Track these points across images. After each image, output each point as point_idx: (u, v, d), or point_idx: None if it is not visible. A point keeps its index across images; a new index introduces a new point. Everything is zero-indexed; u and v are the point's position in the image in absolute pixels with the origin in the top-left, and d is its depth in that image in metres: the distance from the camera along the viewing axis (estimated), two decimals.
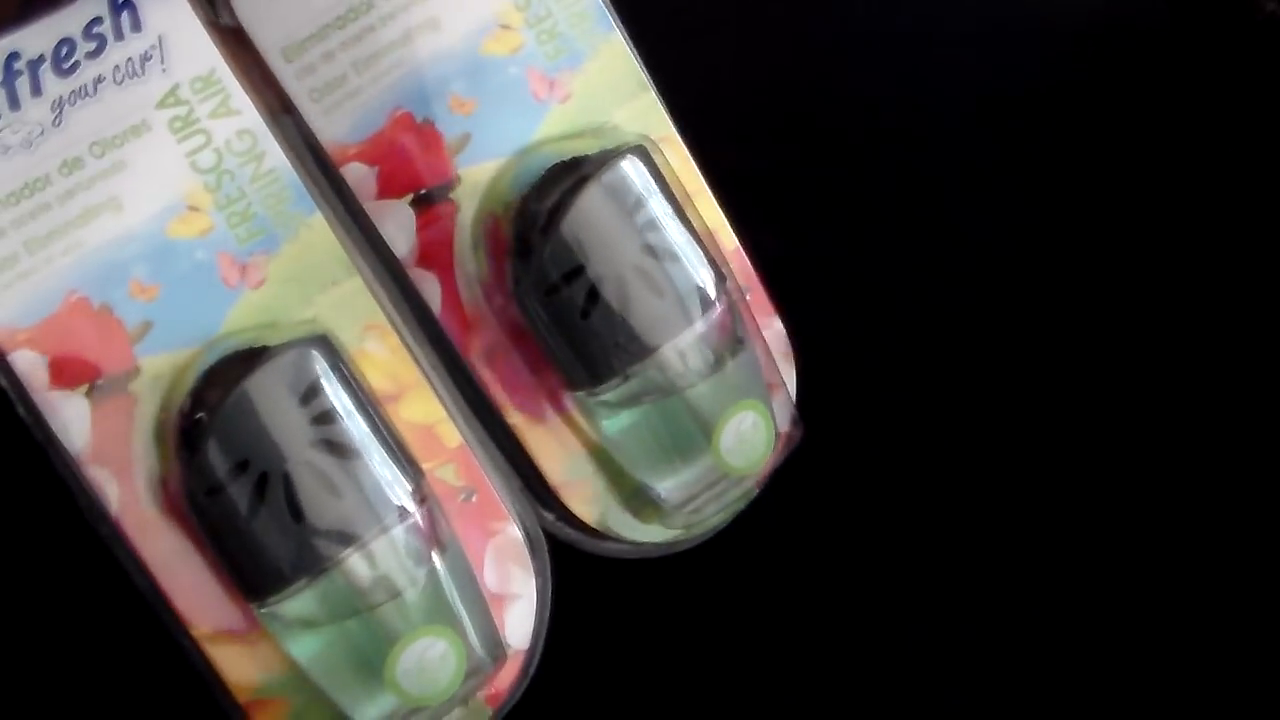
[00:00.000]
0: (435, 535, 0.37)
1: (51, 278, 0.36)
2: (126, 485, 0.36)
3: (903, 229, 0.40)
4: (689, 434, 0.39)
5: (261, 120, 0.38)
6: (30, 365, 0.35)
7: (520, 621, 0.39)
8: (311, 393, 0.36)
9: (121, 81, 0.36)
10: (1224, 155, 0.41)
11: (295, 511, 0.35)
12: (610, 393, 0.39)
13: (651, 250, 0.38)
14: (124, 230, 0.36)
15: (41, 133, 0.36)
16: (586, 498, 0.40)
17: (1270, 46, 0.37)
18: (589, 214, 0.38)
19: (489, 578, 0.39)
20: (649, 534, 0.41)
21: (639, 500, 0.41)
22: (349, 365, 0.37)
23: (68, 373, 0.35)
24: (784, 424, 0.41)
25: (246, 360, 0.36)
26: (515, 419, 0.40)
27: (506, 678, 0.39)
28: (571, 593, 0.41)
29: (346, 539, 0.36)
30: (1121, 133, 0.42)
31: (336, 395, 0.36)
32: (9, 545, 0.39)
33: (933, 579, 0.42)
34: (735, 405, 0.40)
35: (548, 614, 0.40)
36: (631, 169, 0.39)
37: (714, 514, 0.41)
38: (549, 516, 0.41)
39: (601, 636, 0.42)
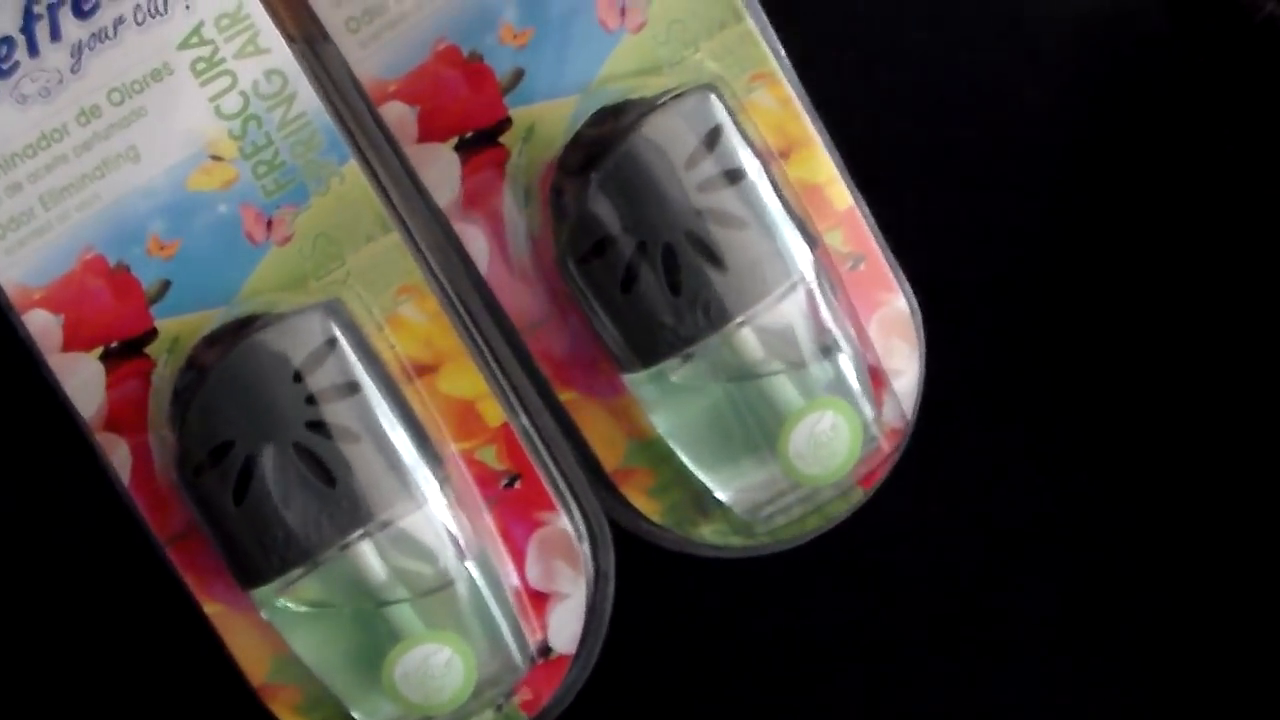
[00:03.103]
0: (454, 529, 0.33)
1: (66, 234, 0.34)
2: (139, 453, 0.34)
3: (891, 231, 0.36)
4: (755, 429, 0.33)
5: (292, 58, 0.34)
6: (44, 326, 0.34)
7: (566, 623, 0.35)
8: (306, 369, 0.32)
9: (143, 22, 0.34)
10: (1223, 156, 0.39)
11: (282, 501, 0.32)
12: (658, 378, 0.33)
13: (710, 213, 0.32)
14: (142, 183, 0.34)
15: (60, 80, 0.34)
16: (646, 488, 0.35)
17: (1269, 47, 0.35)
18: (631, 168, 0.32)
19: (531, 573, 0.35)
20: (715, 537, 0.35)
21: (708, 498, 0.35)
22: (359, 336, 0.33)
23: (82, 334, 0.34)
24: (890, 421, 0.34)
25: (242, 328, 0.33)
26: (567, 396, 0.35)
27: (548, 684, 0.35)
28: (639, 592, 0.36)
29: (335, 534, 0.33)
30: (1120, 133, 0.40)
31: (339, 370, 0.33)
32: (28, 504, 0.39)
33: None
34: (811, 403, 0.32)
35: (605, 615, 0.35)
36: (691, 113, 0.32)
37: (787, 530, 0.34)
38: (609, 506, 0.35)
39: (671, 642, 0.37)
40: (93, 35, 0.34)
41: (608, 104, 0.33)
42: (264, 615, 0.33)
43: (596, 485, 0.35)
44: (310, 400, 0.32)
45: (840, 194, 0.35)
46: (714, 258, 0.32)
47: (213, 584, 0.35)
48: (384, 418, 0.33)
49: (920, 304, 0.37)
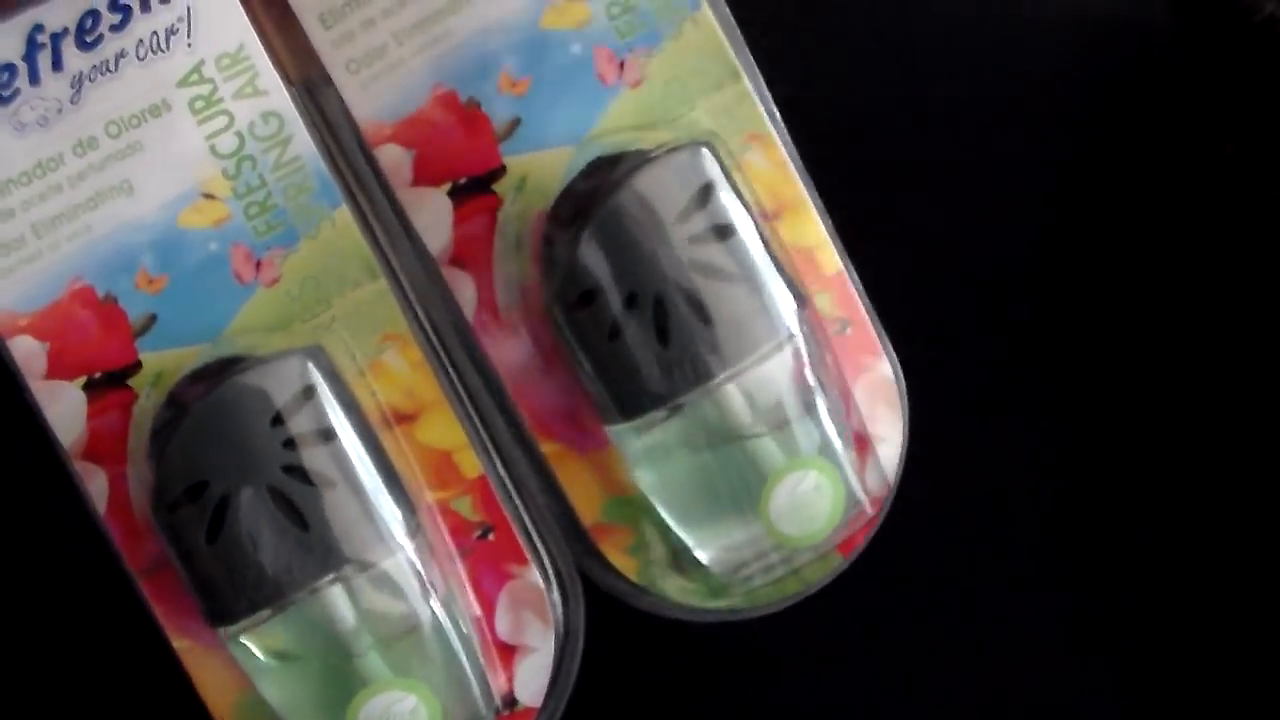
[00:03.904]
0: (426, 577, 0.33)
1: (57, 263, 0.34)
2: (116, 485, 0.34)
3: (900, 231, 0.37)
4: (736, 490, 0.33)
5: (290, 101, 0.34)
6: (28, 353, 0.34)
7: (533, 676, 0.35)
8: (286, 413, 0.32)
9: (144, 57, 0.34)
10: (1223, 156, 0.38)
11: (254, 542, 0.32)
12: (640, 431, 0.33)
13: (700, 267, 0.32)
14: (134, 216, 0.34)
15: (59, 110, 0.34)
16: (625, 546, 0.35)
17: (1269, 47, 0.35)
18: (624, 218, 0.32)
19: (500, 625, 0.35)
20: (697, 597, 0.35)
21: (686, 558, 0.35)
22: (339, 383, 0.33)
23: (66, 363, 0.34)
24: (874, 488, 0.33)
25: (221, 371, 0.33)
26: (550, 448, 0.35)
27: None
28: (608, 650, 0.35)
29: (306, 577, 0.32)
30: (1120, 133, 0.40)
31: (317, 416, 0.33)
32: (10, 534, 0.39)
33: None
34: (793, 462, 0.32)
35: (572, 671, 0.35)
36: (685, 167, 0.32)
37: (767, 588, 0.34)
38: (580, 562, 0.35)
39: (639, 702, 0.37)
40: (94, 67, 0.34)
41: (602, 155, 0.33)
42: (232, 654, 0.33)
43: (572, 540, 0.35)
44: (288, 444, 0.32)
45: (830, 258, 0.35)
46: (703, 312, 0.32)
47: (183, 619, 0.35)
48: (359, 465, 0.33)
49: (920, 304, 0.37)
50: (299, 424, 0.32)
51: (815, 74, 0.37)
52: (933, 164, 0.40)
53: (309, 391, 0.33)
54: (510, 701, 0.35)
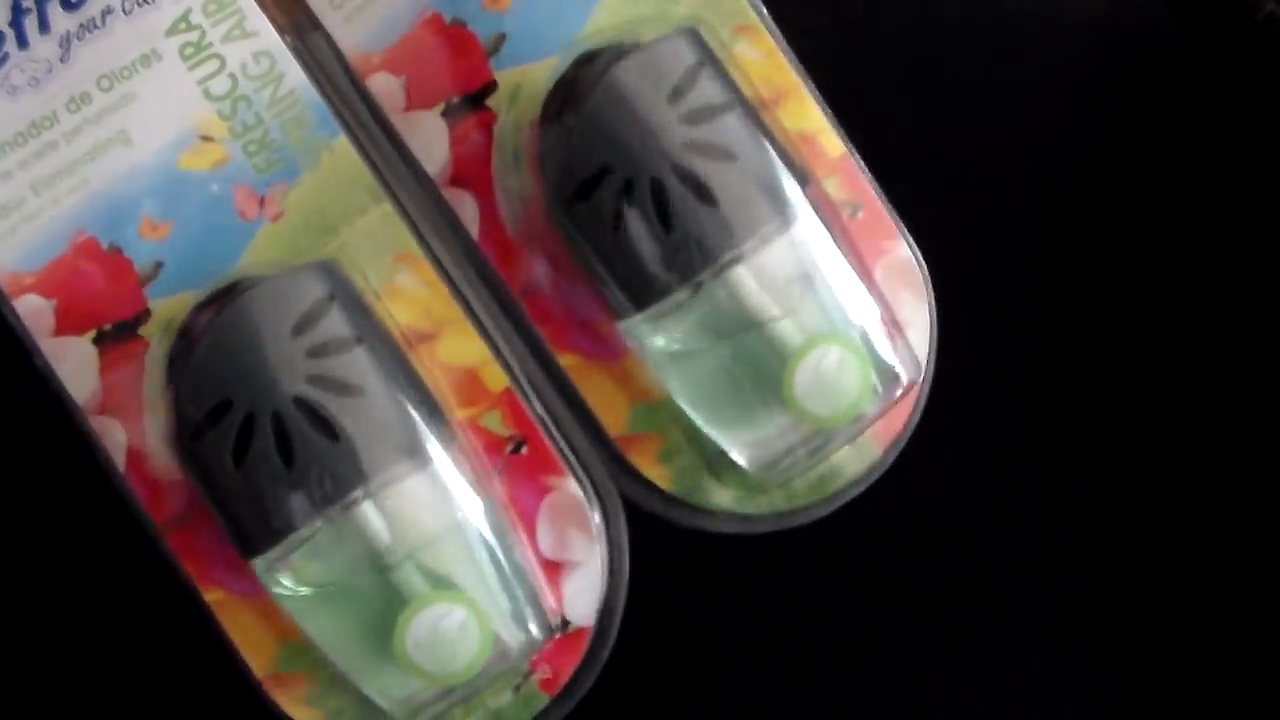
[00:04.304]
0: (462, 487, 0.32)
1: (58, 219, 0.34)
2: (135, 437, 0.34)
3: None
4: (759, 376, 0.32)
5: (280, 40, 0.34)
6: (35, 311, 0.34)
7: (582, 594, 0.34)
8: (306, 323, 0.32)
9: (130, 11, 0.34)
10: (1223, 156, 0.39)
11: (286, 456, 0.31)
12: (655, 324, 0.32)
13: (697, 146, 0.32)
14: (133, 165, 0.34)
15: (49, 70, 0.34)
16: (654, 454, 0.34)
17: (1270, 47, 0.35)
18: (612, 104, 0.32)
19: (543, 541, 0.34)
20: (739, 502, 0.34)
21: (721, 461, 0.34)
22: (355, 293, 0.33)
23: (74, 318, 0.34)
24: (904, 369, 0.33)
25: (231, 293, 0.32)
26: (567, 360, 0.34)
27: (567, 660, 0.34)
28: (657, 562, 0.34)
29: (343, 489, 0.31)
30: (1120, 132, 0.40)
31: (339, 324, 0.32)
32: (20, 495, 0.37)
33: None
34: (813, 338, 0.32)
35: (622, 587, 0.34)
36: (674, 50, 0.32)
37: (806, 487, 0.33)
38: (619, 480, 0.34)
39: (694, 614, 0.35)
40: (81, 26, 0.34)
41: (590, 49, 0.33)
42: (269, 588, 0.32)
43: (602, 453, 0.34)
44: (311, 354, 0.32)
45: (832, 142, 0.35)
46: (703, 192, 0.32)
47: (213, 569, 0.33)
48: (386, 372, 0.32)
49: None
50: (322, 331, 0.32)
51: (812, 74, 0.36)
52: (932, 164, 0.40)
53: (329, 299, 0.32)
54: (563, 624, 0.33)
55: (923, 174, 0.39)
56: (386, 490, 0.32)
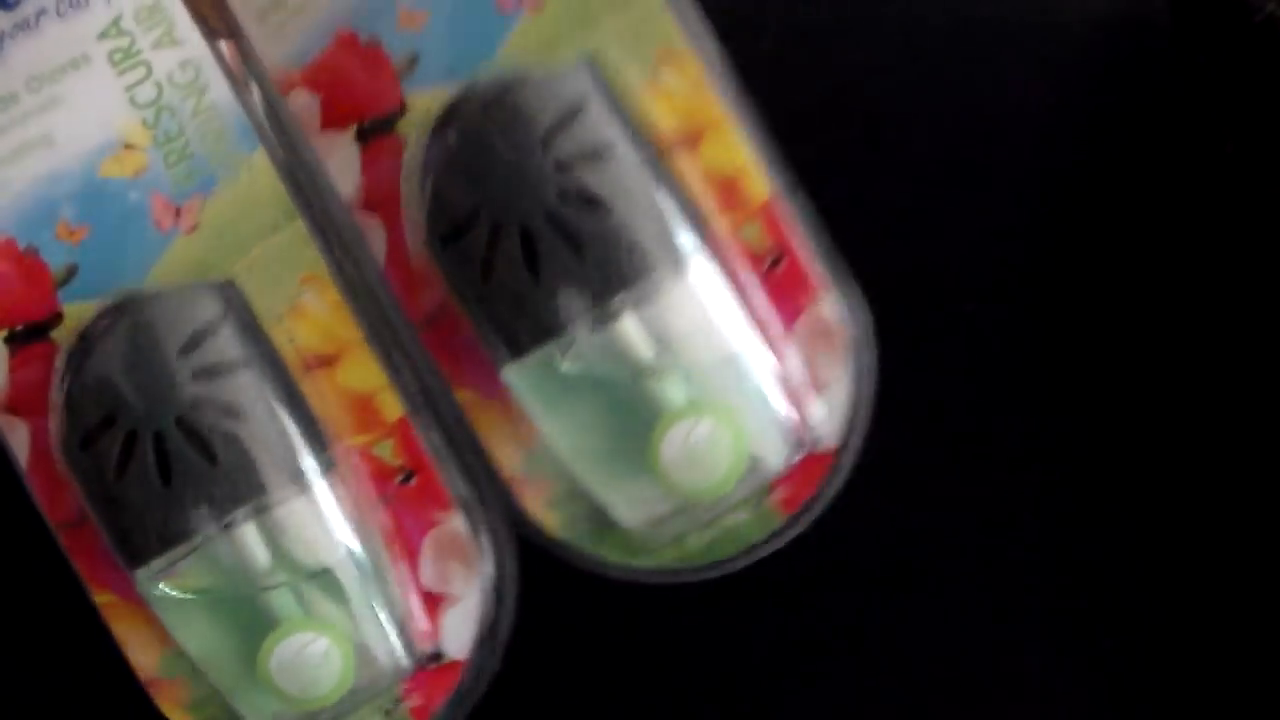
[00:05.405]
0: (340, 516, 0.33)
1: None
2: (39, 437, 0.34)
3: (893, 230, 0.37)
4: (628, 436, 0.32)
5: (207, 50, 0.34)
6: None
7: (459, 627, 0.34)
8: (195, 342, 0.32)
9: (64, 13, 0.35)
10: (1223, 156, 0.38)
11: (164, 475, 0.32)
12: (531, 373, 0.32)
13: (571, 194, 0.31)
14: (55, 168, 0.35)
15: None
16: (545, 499, 0.33)
17: (1269, 47, 0.35)
18: (487, 146, 0.31)
19: (425, 573, 0.34)
20: (611, 554, 0.34)
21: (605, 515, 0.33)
22: (250, 317, 0.33)
23: None
24: (807, 435, 0.32)
25: (133, 302, 0.33)
26: (465, 395, 0.34)
27: (439, 690, 0.34)
28: (546, 606, 0.34)
29: (216, 512, 0.32)
30: (1120, 132, 0.40)
31: (226, 346, 0.32)
32: None
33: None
34: (683, 409, 0.31)
35: (504, 623, 0.34)
36: (554, 89, 0.31)
37: (699, 547, 0.33)
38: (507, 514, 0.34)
39: (577, 655, 0.35)
40: (15, 25, 0.35)
41: (474, 81, 0.33)
42: (148, 599, 0.33)
43: (492, 491, 0.34)
44: (197, 375, 0.32)
45: (757, 184, 0.33)
46: (574, 241, 0.31)
47: (105, 572, 0.34)
48: (270, 398, 0.32)
49: (922, 304, 0.36)
50: (210, 352, 0.32)
51: (813, 75, 0.37)
52: (930, 164, 0.39)
53: (219, 321, 0.32)
54: (436, 655, 0.34)
55: (922, 173, 0.39)
56: (263, 514, 0.32)
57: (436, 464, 0.34)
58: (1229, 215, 0.38)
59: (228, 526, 0.32)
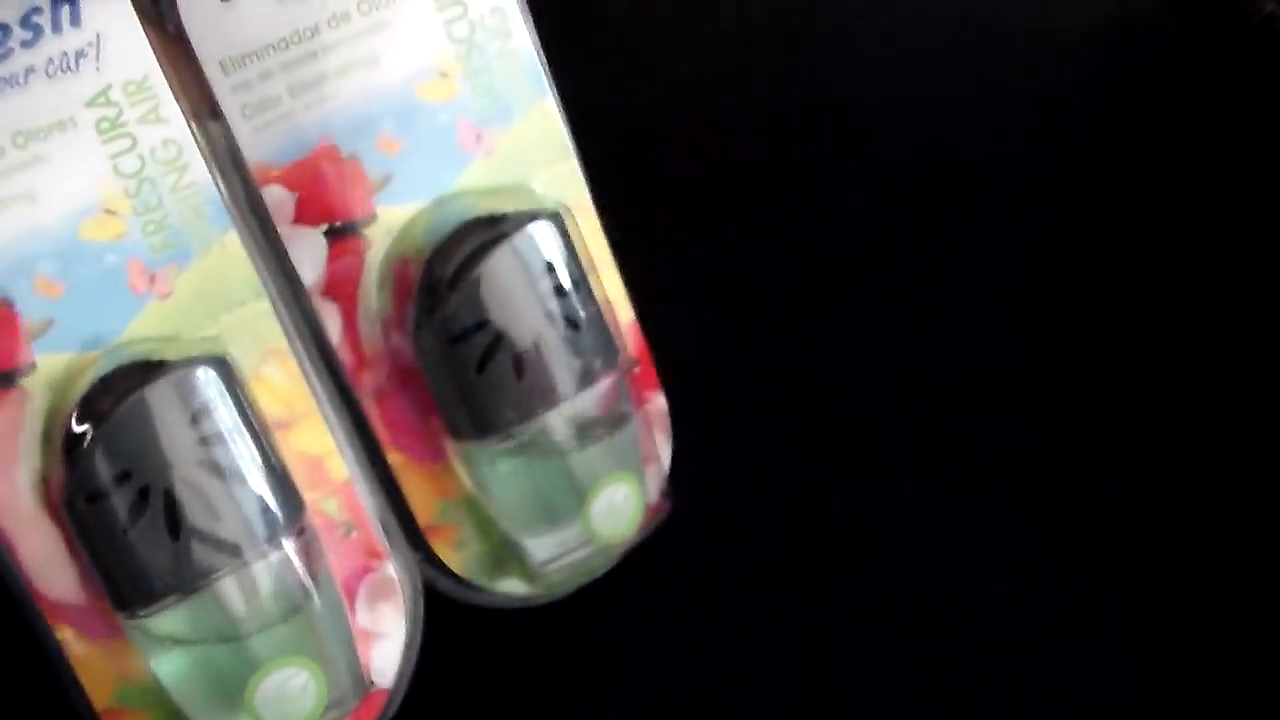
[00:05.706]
0: (310, 566, 0.37)
1: None
2: (7, 480, 0.36)
3: (896, 231, 0.39)
4: (563, 497, 0.40)
5: (189, 132, 0.38)
6: None
7: (386, 660, 0.40)
8: (203, 412, 0.36)
9: (53, 75, 0.36)
10: (1223, 156, 0.40)
11: (173, 527, 0.35)
12: (493, 448, 0.39)
13: (553, 316, 0.39)
14: (36, 225, 0.36)
15: None
16: (453, 543, 0.41)
17: (1269, 47, 0.35)
18: (501, 272, 0.39)
19: (360, 614, 0.39)
20: (509, 586, 0.42)
21: (503, 552, 0.41)
22: (243, 389, 0.37)
23: None
24: (654, 497, 0.42)
25: (141, 372, 0.36)
26: (394, 458, 0.40)
27: (368, 715, 0.39)
28: (446, 638, 0.41)
29: (220, 561, 0.36)
30: (1120, 132, 0.41)
31: (227, 417, 0.36)
32: None
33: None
34: (610, 476, 0.40)
35: (415, 655, 0.40)
36: (546, 233, 0.39)
37: (573, 577, 0.41)
38: (417, 558, 0.41)
39: (467, 684, 0.42)
40: (3, 79, 0.36)
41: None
42: (134, 642, 0.36)
43: (412, 539, 0.41)
44: (202, 441, 0.36)
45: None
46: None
47: (71, 608, 0.36)
48: (263, 461, 0.37)
49: (923, 305, 0.37)
50: (213, 422, 0.36)
51: (813, 74, 0.38)
52: (931, 162, 0.40)
53: (222, 395, 0.37)
54: (371, 683, 0.40)
55: (924, 172, 0.40)
56: (255, 565, 0.37)
57: (370, 519, 0.40)
58: (1229, 215, 0.39)
59: (223, 576, 0.36)
